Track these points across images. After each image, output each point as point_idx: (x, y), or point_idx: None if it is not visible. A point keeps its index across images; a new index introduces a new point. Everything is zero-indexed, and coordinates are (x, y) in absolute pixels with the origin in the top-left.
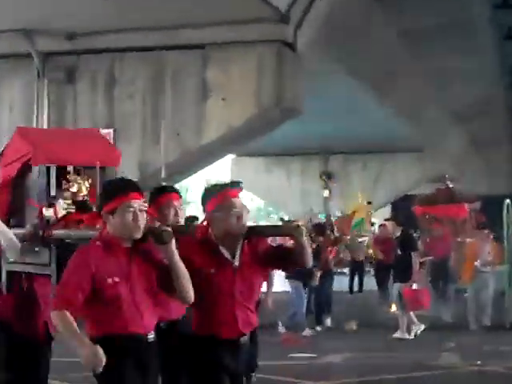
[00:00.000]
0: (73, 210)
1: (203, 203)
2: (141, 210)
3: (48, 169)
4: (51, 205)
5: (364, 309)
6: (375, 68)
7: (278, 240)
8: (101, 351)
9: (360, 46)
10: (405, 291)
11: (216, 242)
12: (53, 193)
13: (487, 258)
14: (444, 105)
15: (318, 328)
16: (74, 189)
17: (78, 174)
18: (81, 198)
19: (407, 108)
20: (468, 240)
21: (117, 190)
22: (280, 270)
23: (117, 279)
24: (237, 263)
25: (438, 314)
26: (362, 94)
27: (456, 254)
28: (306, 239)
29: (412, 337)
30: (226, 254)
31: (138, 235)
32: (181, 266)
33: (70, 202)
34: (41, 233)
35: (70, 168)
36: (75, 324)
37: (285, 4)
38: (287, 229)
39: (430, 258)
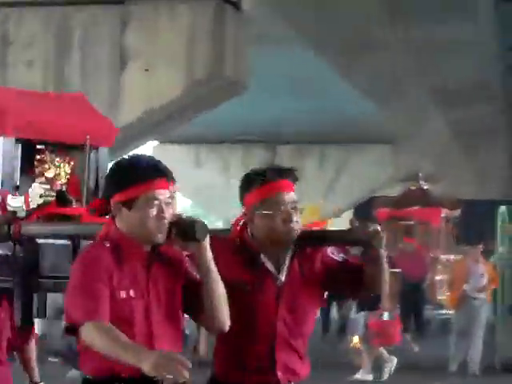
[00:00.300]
0: (52, 199)
1: (242, 194)
2: (167, 204)
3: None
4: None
5: (317, 343)
6: (341, 37)
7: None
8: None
9: (323, 8)
10: (371, 322)
11: (256, 247)
12: (17, 177)
13: (480, 282)
14: (425, 86)
15: None
16: (51, 173)
17: (55, 154)
18: (58, 188)
19: (379, 88)
20: (452, 257)
21: (139, 174)
22: (342, 296)
23: (132, 293)
24: (283, 278)
25: (411, 350)
26: (321, 69)
27: (432, 273)
28: (385, 252)
29: (385, 377)
30: (269, 266)
31: (162, 239)
32: (216, 277)
33: (48, 186)
34: (4, 229)
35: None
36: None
37: None
38: (361, 235)
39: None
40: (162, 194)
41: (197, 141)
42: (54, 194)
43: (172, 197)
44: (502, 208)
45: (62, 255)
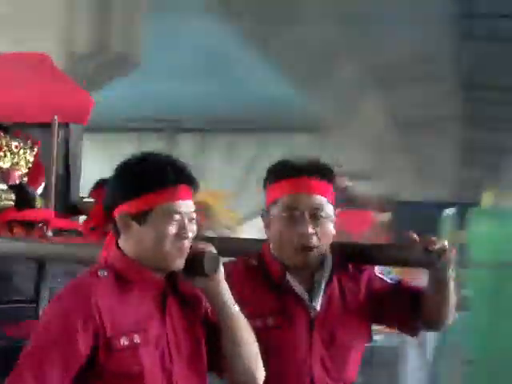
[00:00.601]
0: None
1: (265, 191)
2: (191, 220)
3: None
4: None
5: None
6: (256, 5)
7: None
8: None
9: None
10: None
11: (280, 266)
12: None
13: None
14: (358, 63)
15: None
16: (6, 163)
17: (12, 136)
18: (16, 181)
19: (301, 67)
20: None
21: (155, 178)
22: (397, 330)
23: (137, 339)
24: (318, 307)
25: None
26: (232, 41)
27: None
28: (453, 274)
29: None
30: (299, 290)
31: (181, 264)
32: (238, 319)
33: (4, 187)
34: None
35: None
36: None
37: None
38: (423, 253)
39: None
40: (186, 206)
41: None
42: (13, 194)
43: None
44: (449, 211)
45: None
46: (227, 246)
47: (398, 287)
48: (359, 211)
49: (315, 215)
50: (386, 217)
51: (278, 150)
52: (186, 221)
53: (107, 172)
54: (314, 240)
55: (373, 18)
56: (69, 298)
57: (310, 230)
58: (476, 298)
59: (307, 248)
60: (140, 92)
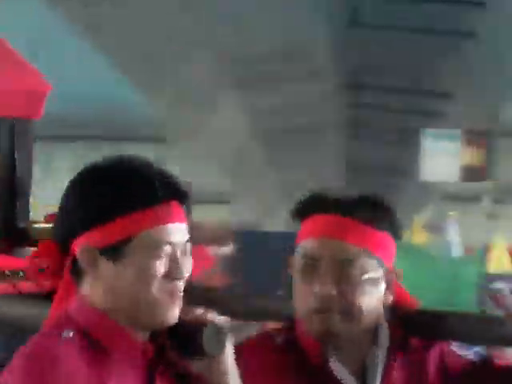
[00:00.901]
0: None
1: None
2: (184, 252)
3: None
4: None
5: None
6: None
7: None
8: None
9: None
10: None
11: (317, 343)
12: None
13: None
14: (213, 55)
15: None
16: None
17: None
18: None
19: (137, 60)
20: None
21: (134, 194)
22: None
23: None
24: None
25: None
26: (56, 26)
27: None
28: None
29: None
30: (346, 378)
31: (173, 317)
32: None
33: None
34: None
35: None
36: None
37: None
38: None
39: None
40: (179, 233)
41: None
42: None
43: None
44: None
45: None
46: (252, 308)
47: (485, 366)
48: (197, 246)
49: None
50: (227, 250)
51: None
52: (179, 253)
53: None
54: (332, 303)
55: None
56: (25, 377)
57: (329, 288)
58: None
59: (318, 310)
60: None
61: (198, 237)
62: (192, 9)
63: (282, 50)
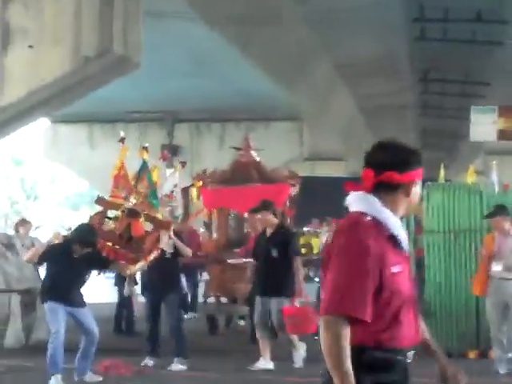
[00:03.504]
0: None
1: (398, 166)
2: None
3: None
4: None
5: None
6: (238, 11)
7: None
8: None
9: None
10: (286, 309)
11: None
12: None
13: None
14: (330, 61)
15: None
16: None
17: None
18: None
19: (280, 64)
20: None
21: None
22: None
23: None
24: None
25: None
26: (219, 43)
27: None
28: None
29: (297, 365)
30: (405, 242)
31: None
32: None
33: None
34: None
35: None
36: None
37: None
38: None
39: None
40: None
41: (90, 120)
42: None
43: None
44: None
45: None
46: None
47: None
48: (278, 185)
49: None
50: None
51: (264, 136)
52: None
53: (114, 157)
54: None
55: (340, 20)
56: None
57: None
58: (431, 259)
59: None
60: (142, 88)
61: (277, 178)
62: (310, 27)
63: (375, 55)
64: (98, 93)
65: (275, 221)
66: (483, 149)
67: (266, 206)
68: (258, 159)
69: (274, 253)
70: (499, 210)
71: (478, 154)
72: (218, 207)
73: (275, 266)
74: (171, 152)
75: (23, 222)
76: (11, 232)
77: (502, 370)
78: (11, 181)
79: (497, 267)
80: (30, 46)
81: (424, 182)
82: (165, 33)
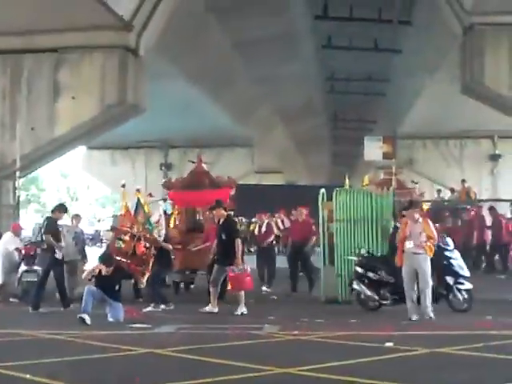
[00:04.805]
0: None
1: None
2: None
3: None
4: None
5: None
6: (211, 73)
7: None
8: None
9: (197, 53)
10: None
11: None
12: None
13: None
14: (272, 107)
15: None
16: None
17: None
18: None
19: (240, 109)
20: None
21: None
22: None
23: None
24: None
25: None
26: (198, 94)
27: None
28: None
29: (239, 312)
30: None
31: None
32: None
33: None
34: None
35: None
36: None
37: (128, 13)
38: None
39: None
40: None
41: (112, 147)
42: None
43: None
44: (323, 190)
45: None
46: None
47: None
48: (222, 189)
49: None
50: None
51: (228, 157)
52: None
53: (131, 171)
54: None
55: (278, 81)
56: None
57: None
58: (339, 239)
59: None
60: (147, 125)
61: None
62: (258, 85)
63: (301, 103)
64: (118, 129)
65: (225, 214)
66: (373, 165)
67: (219, 204)
68: (207, 170)
69: (223, 236)
70: (411, 204)
71: (370, 168)
72: (182, 205)
73: (224, 245)
74: (167, 167)
75: (76, 216)
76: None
77: (414, 318)
78: (60, 188)
79: (409, 245)
80: (73, 97)
81: (334, 187)
82: (161, 87)
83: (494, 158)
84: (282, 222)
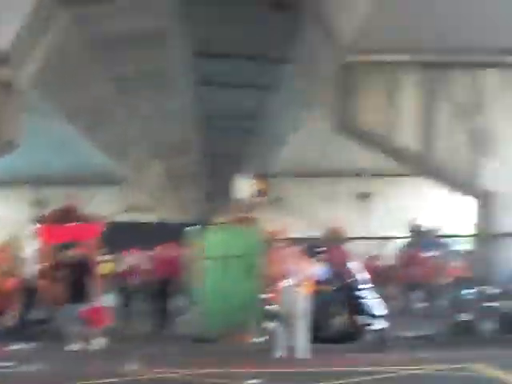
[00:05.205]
0: None
1: None
2: None
3: None
4: None
5: None
6: (88, 110)
7: None
8: None
9: (75, 90)
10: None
11: None
12: None
13: None
14: (147, 144)
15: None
16: None
17: None
18: None
19: (114, 147)
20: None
21: None
22: None
23: None
24: None
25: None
26: (74, 131)
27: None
28: None
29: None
30: None
31: None
32: None
33: None
34: None
35: None
36: None
37: (6, 46)
38: None
39: None
40: None
41: None
42: None
43: None
44: (193, 228)
45: None
46: None
47: None
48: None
49: None
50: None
51: (100, 196)
52: None
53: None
54: None
55: (154, 118)
56: None
57: None
58: (209, 277)
59: None
60: (21, 160)
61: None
62: (135, 123)
63: (177, 140)
64: None
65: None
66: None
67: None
68: (78, 206)
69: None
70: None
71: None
72: (51, 240)
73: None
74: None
75: None
76: None
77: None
78: None
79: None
80: None
81: (205, 224)
82: (38, 124)
83: (365, 195)
84: (148, 259)
